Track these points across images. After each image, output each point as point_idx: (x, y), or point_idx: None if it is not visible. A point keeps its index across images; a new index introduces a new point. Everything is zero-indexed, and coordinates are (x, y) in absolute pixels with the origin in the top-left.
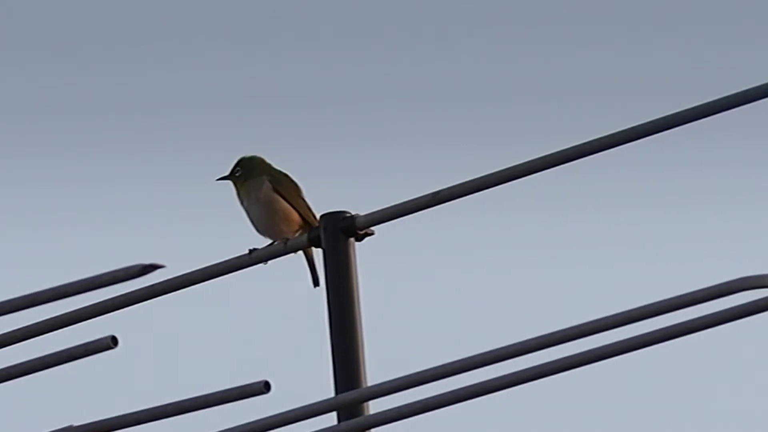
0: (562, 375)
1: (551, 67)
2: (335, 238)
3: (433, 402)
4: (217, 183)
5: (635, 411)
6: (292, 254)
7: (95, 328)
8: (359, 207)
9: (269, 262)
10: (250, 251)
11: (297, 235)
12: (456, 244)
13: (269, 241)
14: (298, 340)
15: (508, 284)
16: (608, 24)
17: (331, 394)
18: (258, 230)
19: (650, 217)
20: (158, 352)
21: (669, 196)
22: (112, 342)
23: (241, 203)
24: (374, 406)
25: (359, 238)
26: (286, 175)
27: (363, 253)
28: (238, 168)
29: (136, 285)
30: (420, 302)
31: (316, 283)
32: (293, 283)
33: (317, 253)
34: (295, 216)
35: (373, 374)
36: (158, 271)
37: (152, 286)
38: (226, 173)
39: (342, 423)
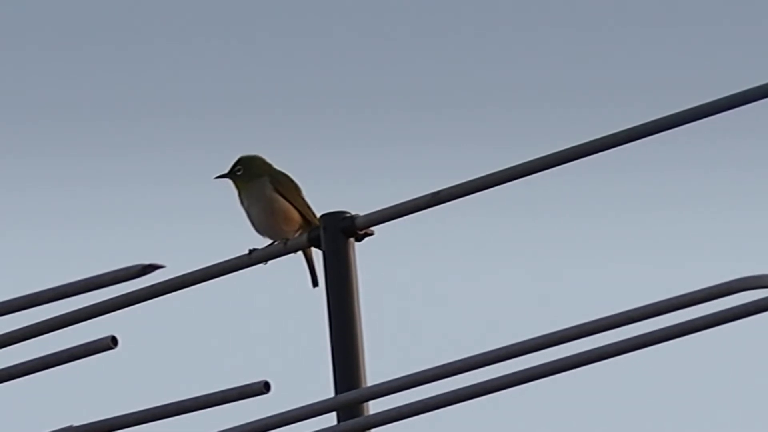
0: (562, 375)
1: (551, 68)
2: (335, 238)
3: (433, 402)
4: (215, 181)
5: (635, 411)
6: (292, 254)
7: (95, 328)
8: (359, 207)
9: (269, 262)
10: (250, 251)
11: (297, 235)
12: (456, 244)
13: (269, 241)
14: (298, 340)
15: (507, 284)
16: (608, 24)
17: (331, 394)
18: (257, 230)
19: (650, 217)
20: (158, 352)
21: (669, 196)
22: (112, 342)
23: (242, 203)
24: (374, 406)
25: (359, 238)
26: (286, 175)
27: (363, 253)
28: (238, 167)
29: (136, 285)
30: (420, 302)
31: (315, 283)
32: (293, 283)
33: (317, 254)
34: (296, 216)
35: (372, 374)
36: (158, 271)
37: (152, 286)
38: (225, 171)
39: (342, 423)
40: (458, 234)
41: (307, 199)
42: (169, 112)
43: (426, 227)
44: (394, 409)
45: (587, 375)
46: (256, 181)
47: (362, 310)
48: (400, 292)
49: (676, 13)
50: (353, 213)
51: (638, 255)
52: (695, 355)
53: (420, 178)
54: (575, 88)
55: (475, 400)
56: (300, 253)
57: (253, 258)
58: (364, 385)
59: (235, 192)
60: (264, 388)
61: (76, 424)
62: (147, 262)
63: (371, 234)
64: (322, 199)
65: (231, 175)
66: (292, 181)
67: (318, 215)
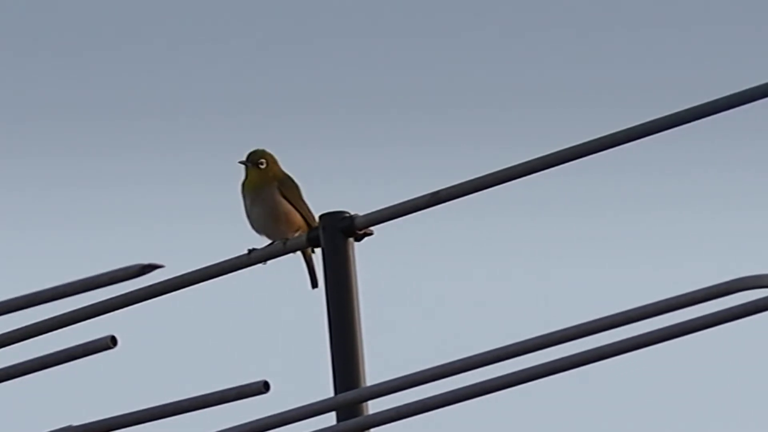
0: (562, 375)
1: (551, 68)
2: (334, 238)
3: (433, 402)
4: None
5: (635, 411)
6: (291, 254)
7: (94, 328)
8: (358, 207)
9: (268, 262)
10: (250, 251)
11: (296, 235)
12: (455, 244)
13: (268, 241)
14: (298, 340)
15: (507, 284)
16: (608, 24)
17: (331, 394)
18: (255, 229)
19: (650, 217)
20: (158, 352)
21: (669, 196)
22: (111, 342)
23: (243, 198)
24: (373, 406)
25: (358, 238)
26: (291, 179)
27: (362, 253)
28: (262, 160)
29: (135, 285)
30: (419, 302)
31: (314, 284)
32: (293, 283)
33: (316, 255)
34: (297, 217)
35: (372, 374)
36: (158, 271)
37: (152, 286)
38: (244, 159)
39: (341, 423)
40: (458, 234)
41: (306, 200)
42: (170, 112)
43: (425, 227)
44: (394, 409)
45: (587, 375)
46: (267, 184)
47: (362, 310)
48: (399, 292)
49: (676, 13)
50: (353, 213)
51: (638, 255)
52: (695, 355)
53: (419, 178)
54: (575, 88)
55: (475, 400)
56: (299, 253)
57: (253, 258)
58: (363, 385)
59: (241, 182)
60: (263, 387)
61: (75, 423)
62: (146, 261)
63: (370, 234)
64: (322, 199)
65: (254, 164)
66: (294, 182)
67: (317, 215)
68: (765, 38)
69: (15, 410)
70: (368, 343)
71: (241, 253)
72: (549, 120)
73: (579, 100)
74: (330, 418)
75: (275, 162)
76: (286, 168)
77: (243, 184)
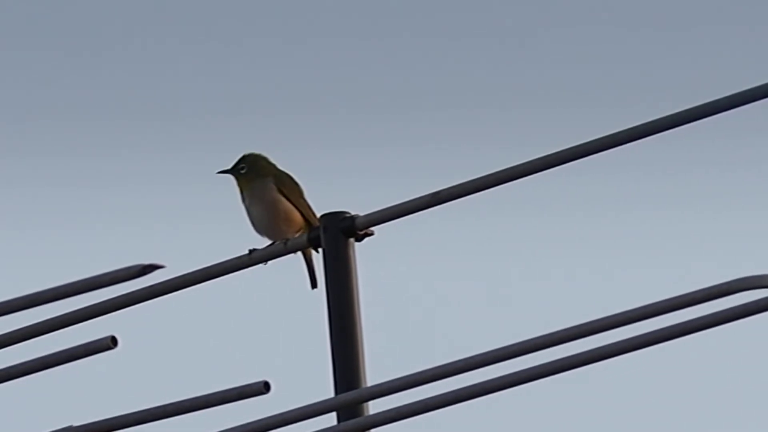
0: (562, 375)
1: (551, 68)
2: (335, 238)
3: (433, 402)
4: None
5: (635, 411)
6: (292, 254)
7: (95, 328)
8: (359, 207)
9: (269, 262)
10: (250, 251)
11: (297, 235)
12: (456, 244)
13: (269, 242)
14: (298, 340)
15: (507, 284)
16: (609, 25)
17: (331, 394)
18: (257, 230)
19: (650, 217)
20: (158, 352)
21: (668, 196)
22: (112, 342)
23: (243, 201)
24: (374, 407)
25: (359, 239)
26: (289, 176)
27: (363, 253)
28: (242, 165)
29: (136, 285)
30: (420, 302)
31: (314, 285)
32: (293, 283)
33: (316, 256)
34: (298, 217)
35: (372, 374)
36: (158, 271)
37: (152, 286)
38: (229, 167)
39: (342, 423)
40: (458, 234)
41: (308, 199)
42: (170, 112)
43: (426, 227)
44: (394, 409)
45: (587, 375)
46: (260, 181)
47: (362, 310)
48: (400, 292)
49: (676, 13)
50: (353, 213)
51: (638, 255)
52: (695, 355)
53: (420, 178)
54: (575, 88)
55: (475, 400)
56: (299, 254)
57: (253, 258)
58: (364, 385)
59: (237, 188)
60: (264, 388)
61: (75, 424)
62: (147, 262)
63: (371, 234)
64: (322, 199)
65: (234, 172)
66: (294, 181)
67: (318, 215)
68: (765, 38)
69: (16, 410)
70: (368, 343)
71: (242, 254)
72: (549, 120)
73: (579, 100)
74: (330, 419)
75: (268, 162)
76: (287, 168)
77: (240, 192)
